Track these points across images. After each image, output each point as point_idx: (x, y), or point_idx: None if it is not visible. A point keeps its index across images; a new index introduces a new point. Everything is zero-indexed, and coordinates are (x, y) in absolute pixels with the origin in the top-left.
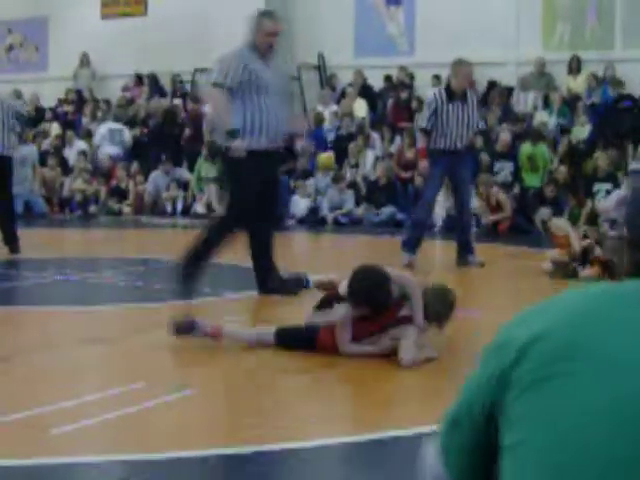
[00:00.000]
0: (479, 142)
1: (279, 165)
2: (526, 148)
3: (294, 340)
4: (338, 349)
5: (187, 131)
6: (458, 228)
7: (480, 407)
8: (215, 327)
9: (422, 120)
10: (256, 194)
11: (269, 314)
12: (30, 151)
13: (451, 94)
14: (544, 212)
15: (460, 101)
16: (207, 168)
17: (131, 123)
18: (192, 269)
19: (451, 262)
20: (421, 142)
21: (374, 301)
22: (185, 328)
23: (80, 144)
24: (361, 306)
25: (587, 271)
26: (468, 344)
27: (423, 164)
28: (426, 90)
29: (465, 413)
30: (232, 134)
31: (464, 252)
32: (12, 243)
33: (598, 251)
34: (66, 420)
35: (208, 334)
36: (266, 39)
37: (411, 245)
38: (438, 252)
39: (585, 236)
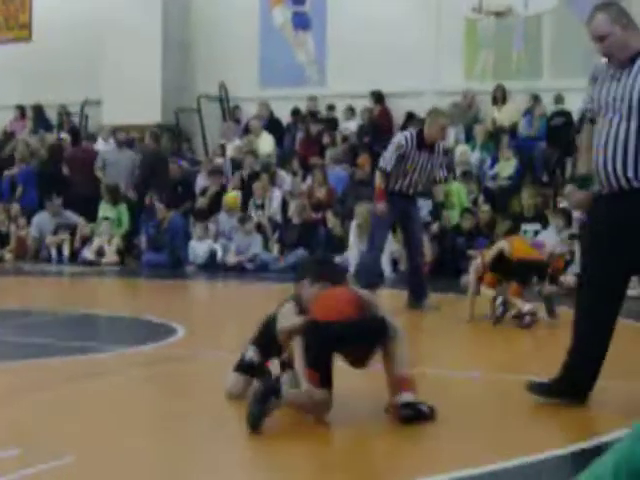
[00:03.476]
0: (440, 194)
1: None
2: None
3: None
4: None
5: (65, 170)
6: (410, 269)
7: None
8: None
9: (385, 161)
10: (605, 252)
11: (170, 369)
12: None
13: (421, 141)
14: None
15: (428, 150)
16: (105, 209)
17: (9, 161)
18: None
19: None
20: (379, 183)
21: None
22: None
23: None
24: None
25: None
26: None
27: (381, 206)
28: (339, 123)
29: None
30: (581, 182)
31: (417, 295)
32: None
33: None
34: None
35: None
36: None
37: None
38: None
39: None
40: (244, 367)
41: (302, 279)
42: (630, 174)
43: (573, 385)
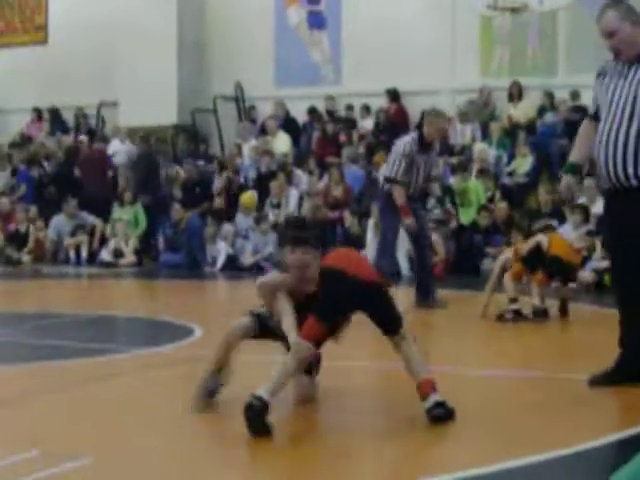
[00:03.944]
0: (436, 189)
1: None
2: (456, 182)
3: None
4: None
5: (77, 171)
6: (418, 267)
7: None
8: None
9: (393, 171)
10: (625, 243)
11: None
12: None
13: (422, 145)
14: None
15: (427, 151)
16: (118, 210)
17: (30, 163)
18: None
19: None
20: (400, 197)
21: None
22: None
23: None
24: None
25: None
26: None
27: (410, 221)
28: (357, 123)
29: None
30: (568, 169)
31: (425, 293)
32: None
33: None
34: None
35: None
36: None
37: None
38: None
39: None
40: (255, 313)
41: (284, 246)
42: (630, 172)
43: (629, 370)
